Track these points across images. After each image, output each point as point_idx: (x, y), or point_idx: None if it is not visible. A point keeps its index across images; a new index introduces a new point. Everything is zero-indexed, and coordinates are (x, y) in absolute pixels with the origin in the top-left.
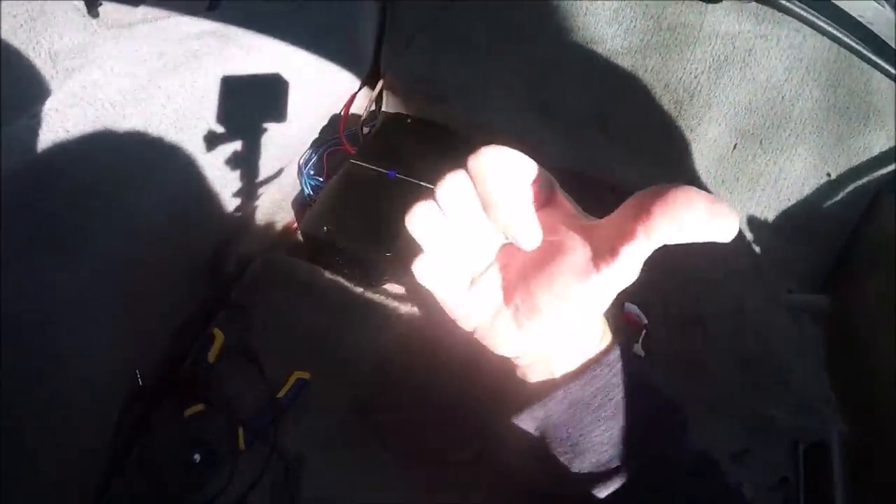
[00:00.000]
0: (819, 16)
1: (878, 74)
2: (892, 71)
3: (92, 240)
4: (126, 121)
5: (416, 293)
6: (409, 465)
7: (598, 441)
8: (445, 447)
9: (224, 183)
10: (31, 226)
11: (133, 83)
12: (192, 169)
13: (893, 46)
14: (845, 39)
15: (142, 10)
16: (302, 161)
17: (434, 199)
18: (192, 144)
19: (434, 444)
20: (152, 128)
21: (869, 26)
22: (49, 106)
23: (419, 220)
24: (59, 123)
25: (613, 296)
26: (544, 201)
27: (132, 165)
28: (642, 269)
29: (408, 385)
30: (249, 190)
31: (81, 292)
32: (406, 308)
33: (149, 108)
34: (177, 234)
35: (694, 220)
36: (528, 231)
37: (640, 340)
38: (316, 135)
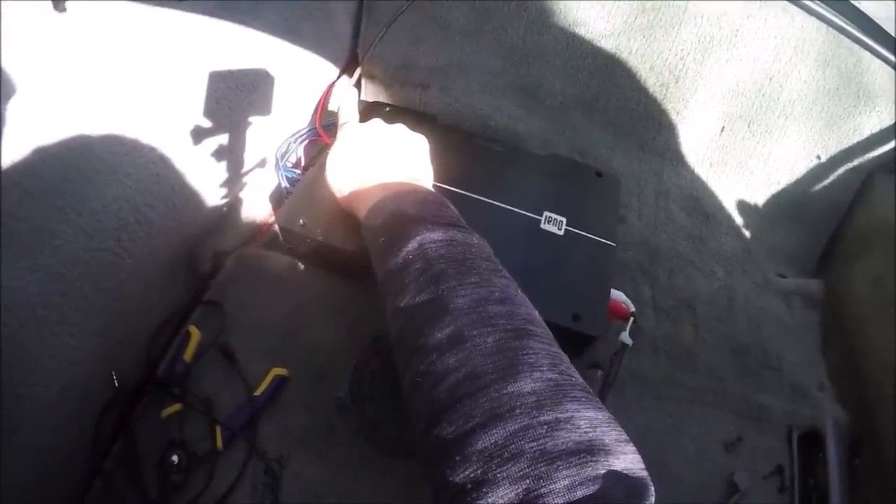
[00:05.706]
0: None
1: (867, 55)
2: (883, 52)
3: (56, 240)
4: (94, 118)
5: None
6: (391, 460)
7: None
8: None
9: (198, 177)
10: None
11: (101, 79)
12: (163, 165)
13: (884, 27)
14: (834, 19)
15: (109, 5)
16: (279, 153)
17: None
18: (162, 140)
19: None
20: (121, 123)
21: (858, 5)
22: (14, 105)
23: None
24: (25, 123)
25: None
26: None
27: (99, 163)
28: (629, 255)
29: (387, 378)
30: (225, 184)
31: (49, 294)
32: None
33: (117, 104)
34: (148, 232)
35: None
36: None
37: (628, 328)
38: (293, 126)
